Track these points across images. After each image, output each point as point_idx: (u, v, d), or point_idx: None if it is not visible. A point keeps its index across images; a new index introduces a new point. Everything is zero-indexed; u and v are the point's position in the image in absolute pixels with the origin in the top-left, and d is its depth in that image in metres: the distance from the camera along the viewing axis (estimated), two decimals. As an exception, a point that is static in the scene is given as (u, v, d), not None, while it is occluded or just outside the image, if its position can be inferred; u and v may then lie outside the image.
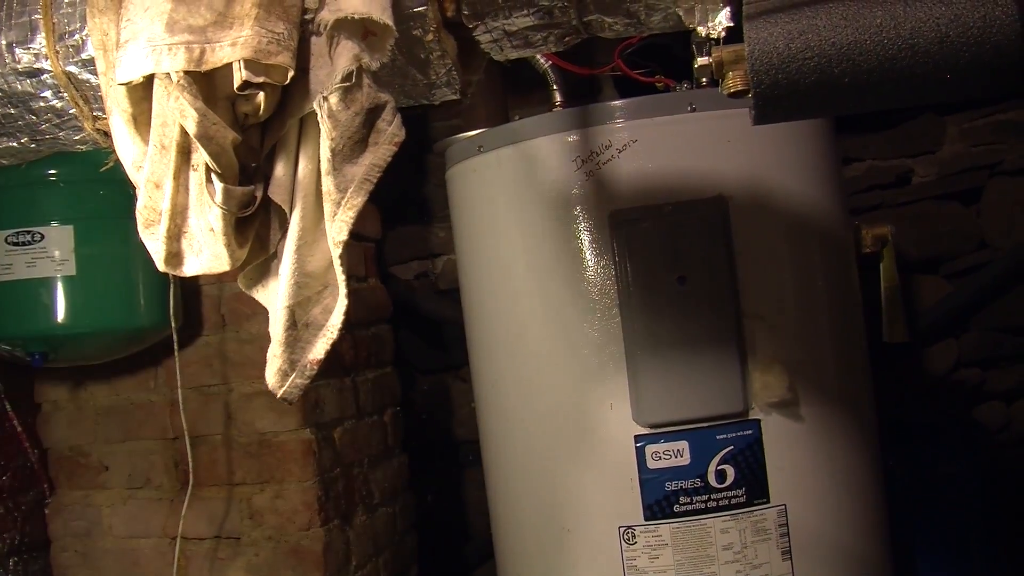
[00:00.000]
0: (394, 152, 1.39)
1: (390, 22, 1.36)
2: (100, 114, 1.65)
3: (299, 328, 1.45)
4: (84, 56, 1.61)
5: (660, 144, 2.20)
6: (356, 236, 3.26)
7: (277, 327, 1.47)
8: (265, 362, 1.47)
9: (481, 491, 2.63)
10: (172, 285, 2.61)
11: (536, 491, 2.36)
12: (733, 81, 1.38)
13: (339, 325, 1.42)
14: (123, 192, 1.53)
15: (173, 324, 2.61)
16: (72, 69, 1.62)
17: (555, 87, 2.57)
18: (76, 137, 1.75)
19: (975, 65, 1.28)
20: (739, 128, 2.18)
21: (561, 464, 2.28)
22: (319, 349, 1.44)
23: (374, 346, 3.38)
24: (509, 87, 3.00)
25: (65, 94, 1.66)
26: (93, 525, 3.01)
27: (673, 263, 2.15)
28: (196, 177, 1.45)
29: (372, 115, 1.39)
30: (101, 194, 2.54)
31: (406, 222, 3.81)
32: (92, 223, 2.54)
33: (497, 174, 2.36)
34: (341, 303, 1.42)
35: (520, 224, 2.32)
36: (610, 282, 2.19)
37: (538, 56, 2.56)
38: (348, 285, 1.41)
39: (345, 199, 1.37)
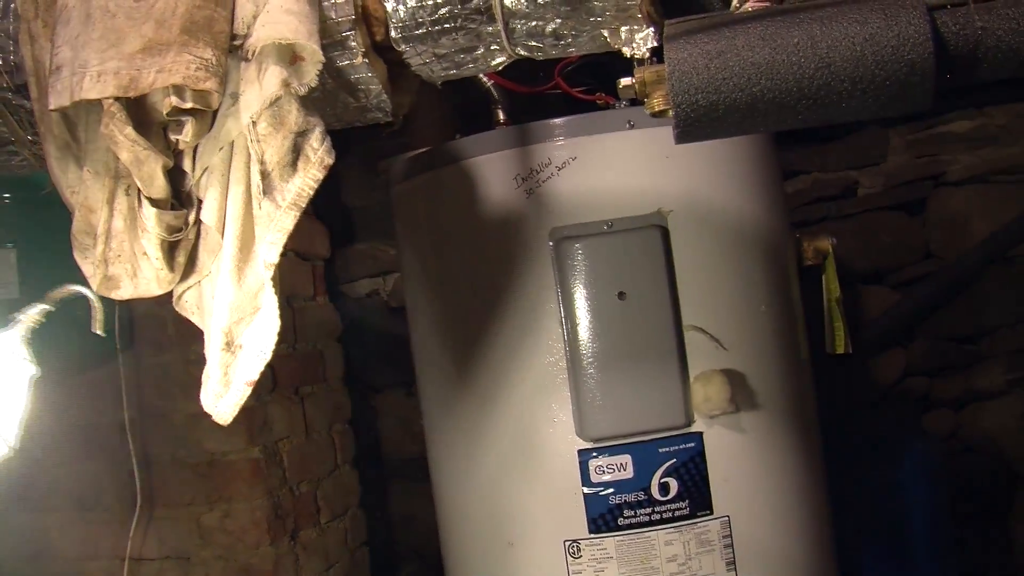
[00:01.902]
0: (323, 175, 1.41)
1: (317, 47, 1.38)
2: (36, 138, 1.66)
3: (233, 349, 1.47)
4: (19, 81, 1.61)
5: (600, 161, 2.22)
6: (303, 255, 3.27)
7: (212, 348, 1.48)
8: (211, 382, 1.49)
9: (432, 507, 2.64)
10: (117, 307, 2.61)
11: (481, 506, 2.37)
12: (656, 100, 1.41)
13: (271, 346, 1.44)
14: (66, 214, 1.55)
15: (118, 345, 2.61)
16: (7, 95, 1.63)
17: (498, 106, 2.58)
18: (13, 162, 1.76)
19: (890, 82, 1.31)
20: (678, 144, 2.19)
21: (506, 479, 2.30)
22: (253, 370, 1.45)
23: (322, 364, 3.39)
24: (458, 106, 3.01)
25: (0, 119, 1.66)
26: (43, 548, 3.00)
27: (613, 279, 2.17)
28: (128, 201, 1.46)
29: (301, 139, 1.40)
30: (44, 216, 2.54)
31: (357, 240, 3.82)
32: (35, 245, 2.53)
33: (440, 193, 2.38)
34: (273, 324, 1.43)
35: (464, 242, 2.34)
36: (552, 298, 2.20)
37: (481, 75, 2.58)
38: (280, 306, 1.42)
39: (274, 222, 1.39)
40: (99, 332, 1.68)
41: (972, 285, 3.62)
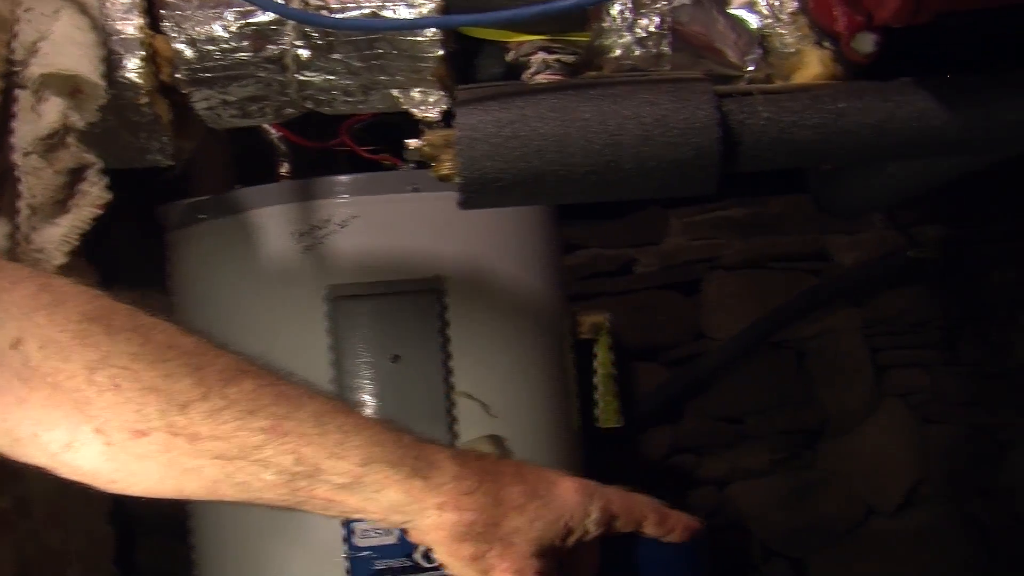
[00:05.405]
0: (97, 214, 1.36)
1: (100, 82, 1.34)
2: None
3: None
4: None
5: (382, 222, 2.21)
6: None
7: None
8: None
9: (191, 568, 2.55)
10: None
11: (243, 569, 2.30)
12: (443, 165, 1.40)
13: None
14: None
15: None
16: None
17: (282, 159, 2.54)
18: None
19: (676, 165, 1.33)
20: (461, 211, 2.20)
21: (269, 541, 2.24)
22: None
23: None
24: (241, 155, 2.95)
25: None
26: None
27: (388, 341, 2.16)
28: None
29: (76, 175, 1.35)
30: None
31: (124, 285, 3.70)
32: None
33: (217, 244, 2.32)
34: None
35: (239, 296, 2.28)
36: (325, 357, 2.17)
37: (268, 126, 2.53)
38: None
39: (43, 260, 1.33)
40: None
41: (741, 366, 3.72)
